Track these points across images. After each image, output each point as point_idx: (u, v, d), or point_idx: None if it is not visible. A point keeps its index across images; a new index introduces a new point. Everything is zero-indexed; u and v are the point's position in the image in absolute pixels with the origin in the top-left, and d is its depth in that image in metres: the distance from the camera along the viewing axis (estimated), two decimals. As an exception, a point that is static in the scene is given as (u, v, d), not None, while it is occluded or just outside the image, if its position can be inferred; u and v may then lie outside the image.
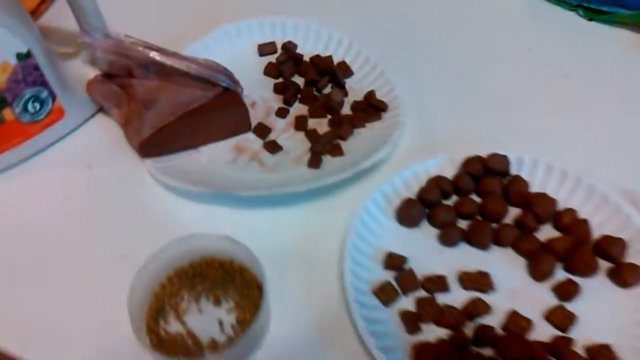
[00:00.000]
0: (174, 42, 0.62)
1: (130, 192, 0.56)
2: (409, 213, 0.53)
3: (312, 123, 0.62)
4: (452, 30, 0.74)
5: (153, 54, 0.57)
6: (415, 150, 0.59)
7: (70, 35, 0.62)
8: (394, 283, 0.48)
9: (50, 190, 0.56)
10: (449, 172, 0.57)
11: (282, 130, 0.62)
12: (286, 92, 0.64)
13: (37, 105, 0.56)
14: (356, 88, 0.65)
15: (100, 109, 0.63)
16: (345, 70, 0.66)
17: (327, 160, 0.58)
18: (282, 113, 0.63)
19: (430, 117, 0.63)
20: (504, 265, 0.51)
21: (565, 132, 0.61)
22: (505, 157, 0.55)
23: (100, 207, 0.55)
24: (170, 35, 0.64)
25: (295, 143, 0.60)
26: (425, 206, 0.54)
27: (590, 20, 0.75)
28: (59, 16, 0.72)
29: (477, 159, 0.56)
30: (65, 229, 0.53)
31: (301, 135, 0.61)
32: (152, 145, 0.56)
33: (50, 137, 0.60)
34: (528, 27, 0.76)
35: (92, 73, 0.61)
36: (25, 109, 0.55)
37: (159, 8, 0.75)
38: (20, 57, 0.52)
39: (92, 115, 0.63)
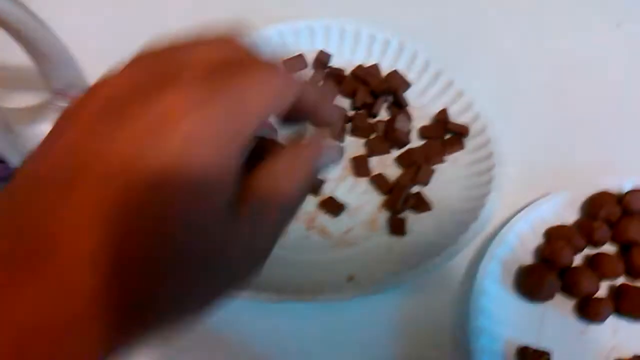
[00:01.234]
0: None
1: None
2: (540, 285, 0.40)
3: (374, 163, 0.48)
4: (538, 24, 0.58)
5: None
6: (516, 188, 0.45)
7: (34, 96, 0.45)
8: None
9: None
10: (571, 217, 0.44)
11: (339, 180, 0.47)
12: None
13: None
14: (418, 106, 0.50)
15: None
16: (400, 82, 0.51)
17: (412, 219, 0.44)
18: (332, 154, 0.48)
19: (525, 140, 0.49)
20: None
21: None
22: (647, 193, 0.43)
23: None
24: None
25: (360, 196, 0.46)
26: (556, 271, 0.41)
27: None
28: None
29: (609, 197, 0.43)
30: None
31: (364, 183, 0.47)
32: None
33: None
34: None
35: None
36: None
37: (139, 35, 0.57)
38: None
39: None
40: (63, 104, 0.40)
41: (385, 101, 0.50)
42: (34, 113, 0.44)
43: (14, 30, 0.36)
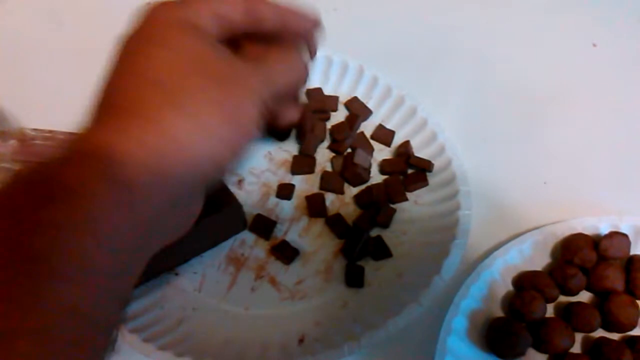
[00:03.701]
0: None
1: None
2: (510, 341, 0.36)
3: (330, 202, 0.43)
4: (508, 49, 0.53)
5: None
6: (481, 227, 0.42)
7: None
8: None
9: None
10: (542, 261, 0.40)
11: (292, 221, 0.43)
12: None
13: None
14: (380, 137, 0.46)
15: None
16: (361, 110, 0.47)
17: (370, 267, 0.40)
18: (285, 192, 0.44)
19: (493, 174, 0.45)
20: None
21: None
22: (626, 237, 0.39)
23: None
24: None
25: (314, 240, 0.42)
26: (527, 325, 0.37)
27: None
28: None
29: (584, 240, 0.40)
30: None
31: (320, 224, 0.42)
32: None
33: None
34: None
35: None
36: None
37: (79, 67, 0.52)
38: None
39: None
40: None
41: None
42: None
43: None
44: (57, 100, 0.45)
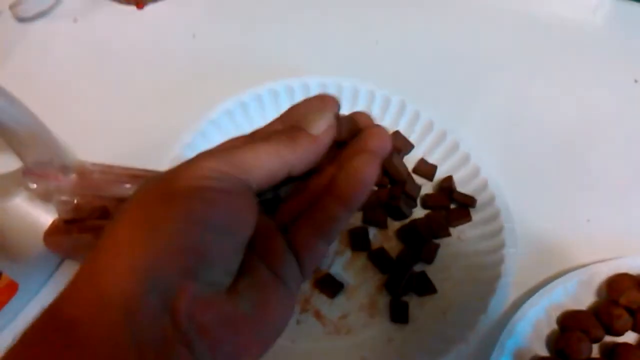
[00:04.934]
0: (161, 144, 0.42)
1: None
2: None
3: (373, 235, 0.44)
4: (547, 82, 0.53)
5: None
6: (526, 265, 0.42)
7: (2, 179, 0.41)
8: None
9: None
10: (587, 299, 0.40)
11: (336, 254, 0.43)
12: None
13: (-25, 295, 0.37)
14: (422, 171, 0.47)
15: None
16: (403, 144, 0.47)
17: (414, 302, 0.41)
18: (329, 225, 0.44)
19: (537, 210, 0.45)
20: None
21: None
22: (675, 279, 0.39)
23: None
24: (157, 135, 0.43)
25: (358, 273, 0.43)
26: (573, 367, 0.37)
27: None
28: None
29: (630, 280, 0.40)
30: None
31: (363, 258, 0.43)
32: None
33: (5, 320, 0.40)
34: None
35: (44, 216, 0.40)
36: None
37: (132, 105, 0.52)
38: None
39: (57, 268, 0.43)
40: (32, 184, 0.36)
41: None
42: (3, 185, 0.40)
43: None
44: (114, 134, 0.47)
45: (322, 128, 0.24)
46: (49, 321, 0.19)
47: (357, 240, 0.43)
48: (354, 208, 0.24)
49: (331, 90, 0.48)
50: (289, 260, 0.24)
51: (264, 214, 0.25)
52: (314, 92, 0.48)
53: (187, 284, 0.20)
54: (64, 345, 0.18)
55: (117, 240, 0.20)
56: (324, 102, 0.25)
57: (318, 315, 0.41)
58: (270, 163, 0.22)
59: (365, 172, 0.24)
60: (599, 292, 0.41)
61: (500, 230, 0.42)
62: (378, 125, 0.26)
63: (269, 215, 0.25)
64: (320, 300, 0.41)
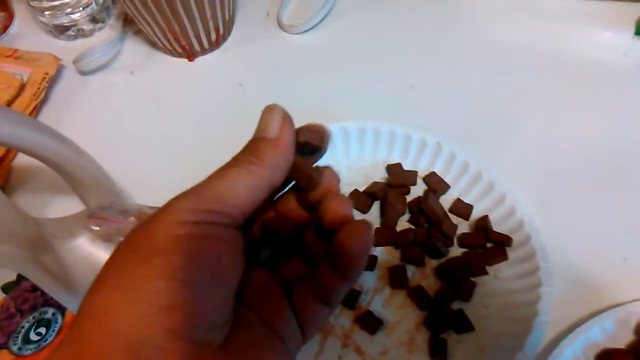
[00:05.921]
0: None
1: None
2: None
3: (411, 274, 0.46)
4: (582, 120, 0.54)
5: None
6: (563, 303, 0.43)
7: (68, 220, 0.45)
8: None
9: None
10: (625, 338, 0.41)
11: (375, 291, 0.45)
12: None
13: (43, 330, 0.40)
14: (458, 211, 0.48)
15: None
16: (439, 185, 0.49)
17: (452, 340, 0.42)
18: (369, 263, 0.46)
19: (573, 248, 0.46)
20: None
21: None
22: None
23: None
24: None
25: (397, 310, 0.44)
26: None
27: None
28: (27, 185, 0.53)
29: (669, 320, 0.40)
30: None
31: (402, 296, 0.45)
32: None
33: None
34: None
35: (105, 256, 0.44)
36: (26, 341, 0.39)
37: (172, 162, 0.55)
38: (7, 288, 0.35)
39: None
40: (95, 227, 0.40)
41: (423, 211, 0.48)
42: (69, 227, 0.44)
43: (49, 161, 0.37)
44: (169, 180, 0.50)
45: (277, 127, 0.24)
46: None
47: (396, 278, 0.45)
48: (352, 281, 0.24)
49: (370, 134, 0.51)
50: (289, 318, 0.23)
51: (265, 269, 0.25)
52: (353, 136, 0.51)
53: (174, 346, 0.18)
54: None
55: (97, 307, 0.19)
56: (268, 108, 0.25)
57: (359, 351, 0.42)
58: (244, 185, 0.22)
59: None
60: (636, 331, 0.41)
61: (536, 269, 0.43)
62: (358, 222, 0.24)
63: (272, 273, 0.25)
64: (360, 337, 0.43)
